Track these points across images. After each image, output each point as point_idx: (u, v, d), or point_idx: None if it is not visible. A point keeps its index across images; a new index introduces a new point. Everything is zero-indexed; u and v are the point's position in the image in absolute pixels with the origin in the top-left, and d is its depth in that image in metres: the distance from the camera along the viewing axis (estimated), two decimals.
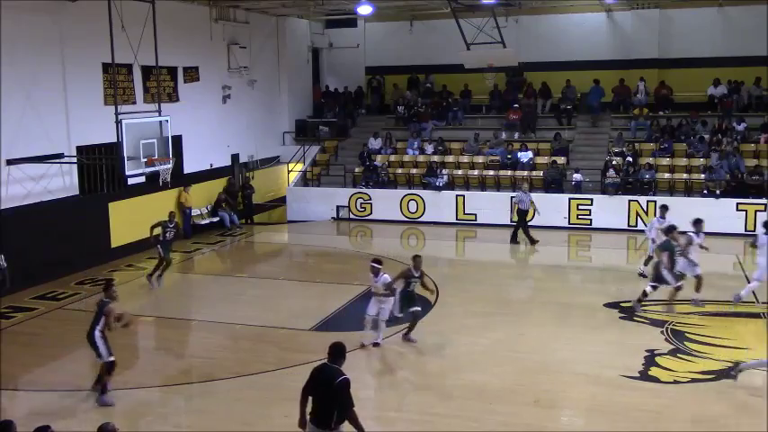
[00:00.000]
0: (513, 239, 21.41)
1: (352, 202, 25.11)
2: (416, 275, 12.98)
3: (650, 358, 12.15)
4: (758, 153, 23.52)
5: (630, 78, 26.65)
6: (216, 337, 13.77)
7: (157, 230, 16.82)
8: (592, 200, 22.92)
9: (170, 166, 17.93)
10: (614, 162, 23.64)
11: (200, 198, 23.49)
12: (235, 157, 25.65)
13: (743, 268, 18.66)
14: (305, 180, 26.67)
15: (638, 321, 14.15)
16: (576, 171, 23.78)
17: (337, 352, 7.79)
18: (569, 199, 23.10)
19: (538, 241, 21.20)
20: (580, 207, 22.97)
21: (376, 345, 12.81)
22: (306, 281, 18.55)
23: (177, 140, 21.06)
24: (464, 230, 23.69)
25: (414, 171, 25.60)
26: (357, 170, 25.89)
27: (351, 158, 26.82)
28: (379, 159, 26.15)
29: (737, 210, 21.64)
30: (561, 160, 24.49)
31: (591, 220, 22.86)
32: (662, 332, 13.43)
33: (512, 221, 22.05)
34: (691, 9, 26.44)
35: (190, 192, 22.43)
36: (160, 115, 17.95)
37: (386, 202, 24.72)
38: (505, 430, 9.77)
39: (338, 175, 26.10)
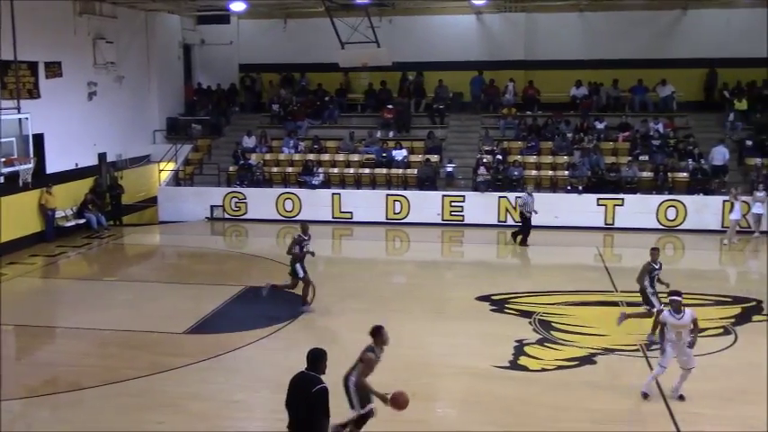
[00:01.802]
0: (523, 242, 20.97)
1: (227, 201, 24.70)
2: (306, 238, 14.49)
3: (519, 348, 12.64)
4: (616, 151, 24.91)
5: (500, 79, 27.58)
6: (82, 344, 13.19)
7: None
8: (464, 197, 23.56)
9: (31, 166, 17.05)
10: (485, 160, 24.40)
11: (66, 199, 22.42)
12: (102, 156, 24.65)
13: (603, 260, 19.72)
14: (177, 179, 25.98)
15: (507, 313, 14.69)
16: (450, 161, 24.46)
17: (315, 358, 7.38)
18: (443, 196, 23.65)
19: (528, 246, 21.05)
20: (453, 204, 23.57)
21: None
22: (179, 282, 18.06)
23: (39, 139, 20.02)
24: (340, 229, 23.80)
25: (289, 170, 25.47)
26: (231, 169, 25.48)
27: (225, 157, 26.35)
28: (253, 158, 25.82)
29: (598, 204, 22.84)
30: (435, 158, 25.03)
31: (463, 216, 23.50)
32: (530, 323, 14.00)
33: (516, 221, 22.07)
34: (554, 13, 27.63)
35: (53, 192, 21.37)
36: (19, 112, 17.01)
37: (261, 202, 24.47)
38: (383, 426, 9.87)
39: (212, 174, 25.59)
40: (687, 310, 10.31)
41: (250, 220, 24.42)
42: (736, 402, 10.60)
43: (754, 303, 15.16)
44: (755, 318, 14.27)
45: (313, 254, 14.91)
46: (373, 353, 8.77)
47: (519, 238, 21.06)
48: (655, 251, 13.78)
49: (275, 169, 25.62)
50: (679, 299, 10.34)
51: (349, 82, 28.95)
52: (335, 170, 25.25)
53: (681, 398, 10.50)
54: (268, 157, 26.17)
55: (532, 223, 20.95)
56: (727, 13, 26.13)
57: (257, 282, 16.18)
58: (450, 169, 24.36)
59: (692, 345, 10.37)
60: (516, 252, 20.78)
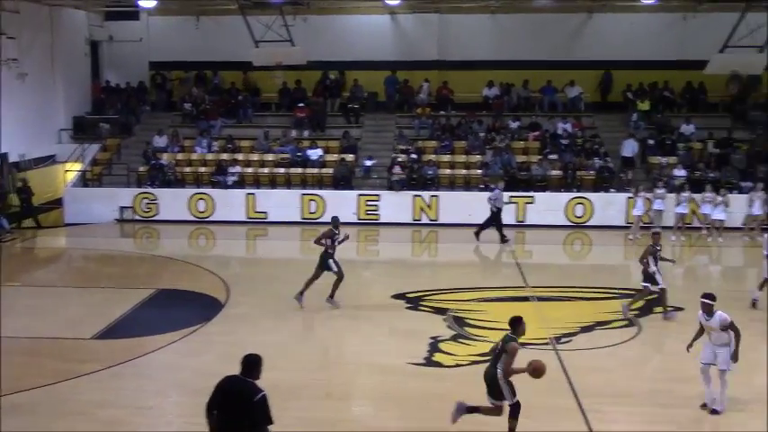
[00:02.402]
0: (477, 235, 21.23)
1: (137, 202, 24.09)
2: (337, 233, 14.85)
3: (434, 345, 12.80)
4: (527, 150, 25.53)
5: (414, 79, 27.84)
6: None
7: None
8: (379, 196, 23.70)
9: None
10: (400, 159, 24.60)
11: None
12: (3, 157, 23.62)
13: (514, 256, 20.17)
14: (84, 180, 25.19)
15: (422, 311, 14.86)
16: (369, 158, 24.57)
17: (251, 364, 7.15)
18: (358, 195, 23.72)
19: (508, 240, 21.26)
20: (368, 203, 23.67)
21: None
22: (87, 287, 17.47)
23: None
24: (255, 229, 23.56)
25: (202, 169, 25.05)
26: (142, 169, 24.87)
27: (134, 157, 25.69)
28: (165, 158, 25.27)
29: (510, 202, 23.24)
30: (350, 158, 25.08)
31: (378, 215, 23.63)
32: (444, 319, 14.20)
33: (431, 219, 22.50)
34: (467, 14, 28.03)
35: None
36: None
37: (173, 202, 23.97)
38: (300, 426, 9.84)
39: (121, 174, 24.91)
40: (718, 312, 10.06)
41: (161, 221, 23.89)
42: (645, 392, 11.00)
43: (655, 296, 15.76)
44: (657, 309, 14.84)
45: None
46: (516, 342, 9.02)
47: (499, 236, 21.31)
48: (656, 235, 14.84)
49: (188, 169, 25.14)
50: (708, 302, 10.13)
51: (248, 80, 28.41)
52: (250, 170, 24.97)
53: (713, 411, 10.11)
54: (180, 156, 25.66)
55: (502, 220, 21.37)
56: (631, 17, 27.14)
57: (169, 284, 15.87)
58: (368, 163, 24.47)
59: (733, 357, 10.02)
60: (431, 250, 21.05)
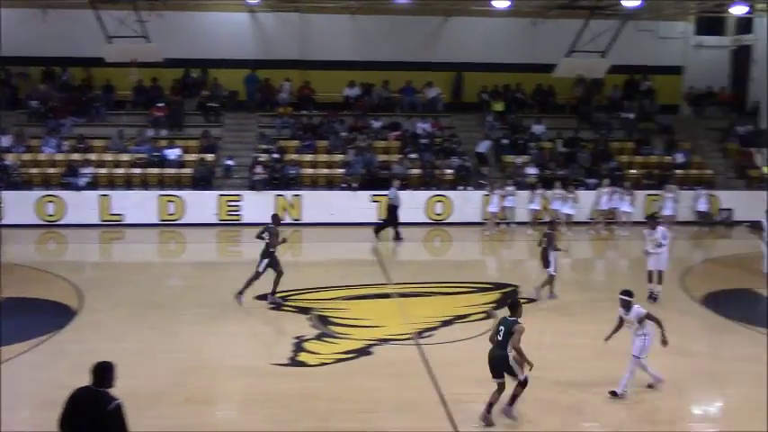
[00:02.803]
0: (377, 233, 21.39)
1: None
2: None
3: (298, 344, 12.77)
4: (388, 149, 25.95)
5: (275, 78, 27.61)
6: None
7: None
8: (241, 196, 23.36)
9: None
10: (261, 159, 24.35)
11: None
12: None
13: (377, 254, 20.46)
14: None
15: (286, 311, 14.80)
16: (230, 158, 24.15)
17: (102, 372, 6.76)
18: (219, 195, 23.29)
19: (403, 239, 21.40)
20: (230, 203, 23.29)
21: None
22: None
23: None
24: (110, 232, 22.60)
25: (51, 170, 23.75)
26: None
27: None
28: (10, 158, 23.75)
29: (372, 201, 23.65)
30: (210, 157, 24.57)
31: (240, 215, 23.29)
32: (308, 319, 14.20)
33: (294, 219, 22.45)
34: (327, 15, 28.09)
35: None
36: None
37: (19, 206, 22.56)
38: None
39: None
40: (635, 306, 10.64)
41: (6, 225, 22.39)
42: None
43: (511, 289, 16.49)
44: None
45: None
46: (519, 323, 9.63)
47: (393, 233, 21.58)
48: (554, 223, 16.81)
49: (35, 170, 23.77)
50: (625, 298, 10.66)
51: (91, 77, 27.29)
52: (104, 170, 23.93)
53: (613, 393, 10.60)
54: (26, 157, 24.22)
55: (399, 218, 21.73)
56: (485, 21, 28.11)
57: (16, 293, 14.99)
58: (229, 163, 24.05)
59: (663, 342, 10.58)
60: (294, 250, 20.94)
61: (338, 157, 25.27)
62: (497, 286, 16.87)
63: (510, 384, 9.80)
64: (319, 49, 28.08)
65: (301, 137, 26.09)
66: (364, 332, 13.52)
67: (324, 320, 14.11)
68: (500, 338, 9.68)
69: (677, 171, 25.56)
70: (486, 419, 9.73)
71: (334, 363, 12.09)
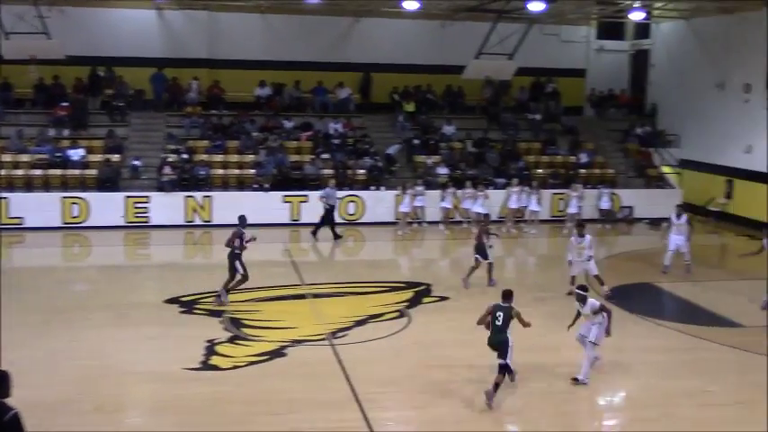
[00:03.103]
0: (314, 234, 21.15)
1: None
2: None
3: (210, 348, 12.58)
4: (300, 149, 25.84)
5: (183, 77, 27.07)
6: None
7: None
8: (149, 197, 22.79)
9: None
10: (170, 159, 23.84)
11: None
12: None
13: (290, 255, 20.37)
14: None
15: (197, 314, 14.54)
16: (137, 158, 23.56)
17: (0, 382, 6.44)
18: (126, 197, 22.66)
19: (341, 236, 21.31)
20: (137, 205, 22.69)
21: None
22: None
23: None
24: (9, 236, 21.58)
25: None
26: None
27: None
28: None
29: (284, 201, 23.51)
30: (116, 158, 23.87)
31: (149, 217, 22.73)
32: (220, 321, 13.99)
33: (204, 221, 22.14)
34: (237, 13, 27.76)
35: None
36: None
37: None
38: None
39: None
40: (590, 300, 11.38)
41: None
42: (414, 378, 11.59)
43: (423, 287, 16.70)
44: (425, 300, 15.74)
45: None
46: (514, 308, 10.79)
47: (332, 233, 21.56)
48: (486, 216, 18.69)
49: None
50: (581, 293, 11.52)
51: None
52: (2, 172, 22.87)
53: (575, 380, 11.33)
54: None
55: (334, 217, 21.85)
56: (396, 22, 28.36)
57: None
58: (136, 164, 23.43)
59: (606, 332, 11.40)
60: (205, 252, 20.67)
61: (249, 158, 24.98)
62: (410, 285, 17.03)
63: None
64: (229, 48, 27.69)
65: (211, 137, 25.66)
66: (278, 334, 13.43)
67: (236, 323, 13.94)
68: (499, 323, 10.70)
69: (581, 170, 26.46)
70: (489, 396, 10.42)
71: (247, 365, 11.97)
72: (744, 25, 24.80)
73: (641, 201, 25.92)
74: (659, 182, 27.13)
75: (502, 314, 10.71)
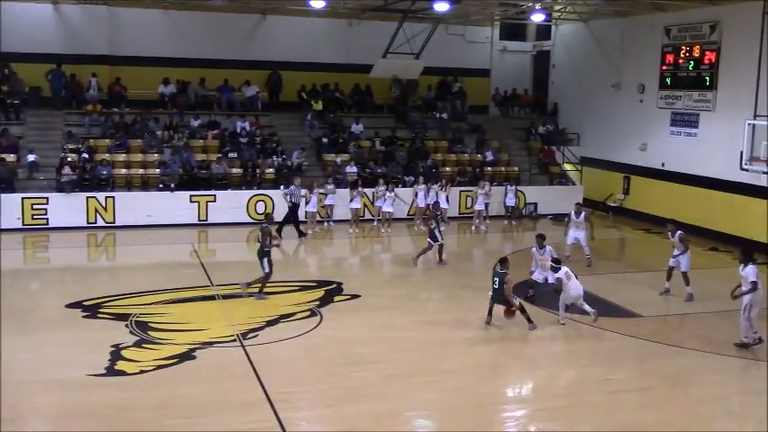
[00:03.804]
0: (278, 232, 20.50)
1: None
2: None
3: (116, 353, 12.19)
4: (206, 148, 25.39)
5: (82, 73, 26.11)
6: None
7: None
8: (47, 198, 21.91)
9: None
10: (69, 159, 22.99)
11: None
12: None
13: (198, 256, 19.99)
14: None
15: (101, 318, 14.08)
16: (34, 157, 22.60)
17: None
18: (23, 199, 21.71)
19: (306, 234, 21.20)
20: (35, 207, 21.77)
21: None
22: None
23: None
24: None
25: None
26: None
27: None
28: None
29: (191, 201, 23.04)
30: (11, 158, 22.84)
31: (47, 219, 21.85)
32: (126, 325, 13.59)
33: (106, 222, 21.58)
34: (139, 9, 27.00)
35: None
36: None
37: None
38: None
39: None
40: (560, 269, 14.08)
41: None
42: (327, 376, 11.58)
43: (334, 286, 16.71)
44: (337, 298, 15.75)
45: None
46: (508, 275, 13.60)
47: (296, 231, 21.62)
48: (437, 204, 20.77)
49: None
50: (555, 265, 14.31)
51: None
52: None
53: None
54: None
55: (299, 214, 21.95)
56: (303, 20, 28.22)
57: None
58: (32, 160, 22.46)
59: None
60: (108, 254, 20.04)
61: (154, 157, 24.36)
62: (321, 284, 17.01)
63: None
64: (131, 45, 26.91)
65: (113, 135, 24.89)
66: (187, 336, 13.16)
67: (143, 326, 13.57)
68: (496, 286, 13.62)
69: (487, 168, 27.06)
70: (488, 321, 13.82)
71: (155, 369, 11.67)
72: (638, 28, 25.91)
73: (545, 197, 26.72)
74: (562, 179, 28.04)
75: (498, 279, 13.55)
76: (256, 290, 15.48)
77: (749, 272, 12.86)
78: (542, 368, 12.45)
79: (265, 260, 15.38)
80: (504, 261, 13.86)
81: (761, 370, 12.19)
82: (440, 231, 18.74)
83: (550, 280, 14.81)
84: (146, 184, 23.65)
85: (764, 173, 19.18)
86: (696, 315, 15.24)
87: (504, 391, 11.73)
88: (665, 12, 24.41)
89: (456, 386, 11.35)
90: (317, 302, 15.36)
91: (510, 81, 31.47)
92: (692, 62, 23.63)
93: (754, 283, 12.74)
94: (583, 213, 18.88)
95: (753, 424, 10.39)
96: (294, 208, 21.94)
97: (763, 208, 20.66)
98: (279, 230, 21.57)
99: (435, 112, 29.38)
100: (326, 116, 27.70)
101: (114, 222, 22.32)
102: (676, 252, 16.19)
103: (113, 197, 22.46)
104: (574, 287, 14.04)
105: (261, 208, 23.58)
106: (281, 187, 22.71)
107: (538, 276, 15.69)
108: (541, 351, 13.27)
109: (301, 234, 21.91)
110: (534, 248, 15.95)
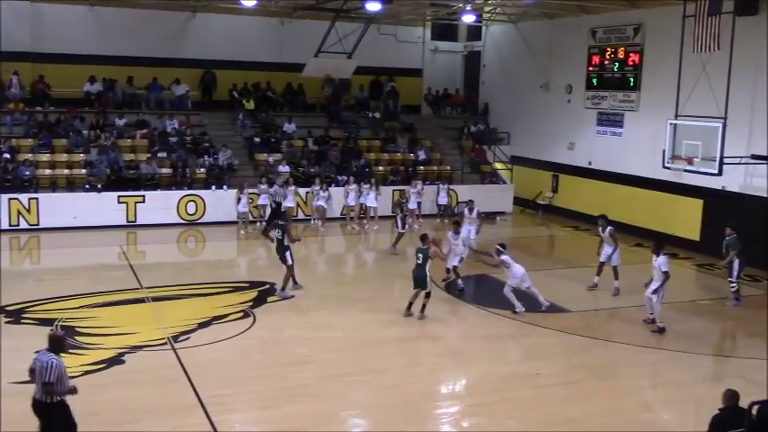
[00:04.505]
0: (265, 233, 19.27)
1: None
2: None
3: None
4: (135, 148, 24.85)
5: (3, 71, 25.20)
6: None
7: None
8: None
9: None
10: None
11: None
12: None
13: (127, 258, 19.57)
14: None
15: (25, 324, 13.65)
16: None
17: None
18: None
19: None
20: None
21: None
22: None
23: None
24: None
25: None
26: None
27: None
28: None
29: (119, 202, 22.52)
30: None
31: None
32: (52, 330, 13.20)
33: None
34: (63, 5, 26.18)
35: None
36: None
37: None
38: None
39: None
40: (503, 257, 14.84)
41: None
42: (261, 378, 11.50)
43: (268, 286, 16.59)
44: (270, 299, 15.64)
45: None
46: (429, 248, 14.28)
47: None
48: (403, 192, 22.83)
49: None
50: (500, 248, 15.02)
51: None
52: None
53: None
54: None
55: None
56: (233, 18, 27.88)
57: None
58: None
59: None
60: (32, 257, 19.43)
61: (79, 157, 23.72)
62: (254, 285, 16.86)
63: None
64: (55, 42, 26.06)
65: (36, 135, 24.13)
66: (115, 340, 12.88)
67: (70, 331, 13.20)
68: (419, 262, 14.10)
69: (420, 167, 27.27)
70: (407, 314, 14.21)
71: (83, 375, 11.36)
72: (565, 29, 26.50)
73: (477, 196, 26.74)
74: (493, 177, 28.46)
75: (421, 255, 14.05)
76: (291, 287, 15.88)
77: (661, 262, 13.97)
78: (474, 365, 12.62)
79: (287, 254, 15.69)
80: (424, 237, 14.49)
81: (685, 361, 12.68)
82: (402, 220, 20.48)
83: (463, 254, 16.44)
84: (71, 185, 23.01)
85: (685, 170, 19.84)
86: (623, 309, 15.68)
87: (437, 388, 11.85)
88: (590, 14, 25.03)
89: (390, 384, 11.42)
90: (251, 303, 15.23)
91: (442, 81, 31.78)
92: (616, 63, 24.31)
93: (666, 273, 13.88)
94: (475, 210, 19.65)
95: (672, 413, 10.80)
96: (278, 208, 22.01)
97: (685, 205, 21.41)
98: (265, 231, 21.42)
99: (368, 112, 29.45)
100: (258, 115, 27.46)
101: (38, 225, 21.66)
102: (607, 247, 16.65)
103: (37, 198, 21.78)
104: (517, 269, 14.84)
105: (191, 208, 23.24)
106: (275, 186, 22.82)
107: (454, 260, 16.35)
108: (473, 348, 13.46)
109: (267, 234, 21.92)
110: (450, 234, 16.67)
